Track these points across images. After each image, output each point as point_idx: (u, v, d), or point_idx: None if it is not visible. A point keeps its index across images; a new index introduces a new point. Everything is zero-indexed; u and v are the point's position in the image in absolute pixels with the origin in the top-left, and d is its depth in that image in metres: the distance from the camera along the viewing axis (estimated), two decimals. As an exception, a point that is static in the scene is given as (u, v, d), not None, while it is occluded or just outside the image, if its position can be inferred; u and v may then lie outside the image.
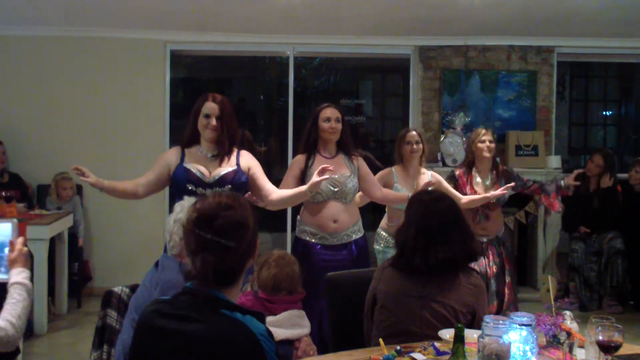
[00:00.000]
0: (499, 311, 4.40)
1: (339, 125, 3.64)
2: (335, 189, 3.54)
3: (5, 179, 5.55)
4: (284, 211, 6.05)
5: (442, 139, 6.02)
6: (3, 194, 4.90)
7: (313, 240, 3.58)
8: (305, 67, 7.69)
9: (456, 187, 4.49)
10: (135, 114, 6.01)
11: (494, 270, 4.44)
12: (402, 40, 6.25)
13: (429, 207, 2.48)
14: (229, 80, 8.21)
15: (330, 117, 3.63)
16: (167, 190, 5.92)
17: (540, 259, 6.10)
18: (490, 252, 4.49)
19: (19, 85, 5.93)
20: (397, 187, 4.20)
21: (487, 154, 4.51)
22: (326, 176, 3.21)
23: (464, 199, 4.32)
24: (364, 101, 8.00)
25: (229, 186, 3.22)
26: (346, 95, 7.91)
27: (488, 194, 4.31)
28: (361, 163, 3.74)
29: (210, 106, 3.25)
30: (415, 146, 4.25)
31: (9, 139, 5.71)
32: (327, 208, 3.56)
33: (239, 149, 3.39)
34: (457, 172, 4.59)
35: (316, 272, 3.49)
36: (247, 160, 3.37)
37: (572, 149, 9.05)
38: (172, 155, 3.34)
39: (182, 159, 3.29)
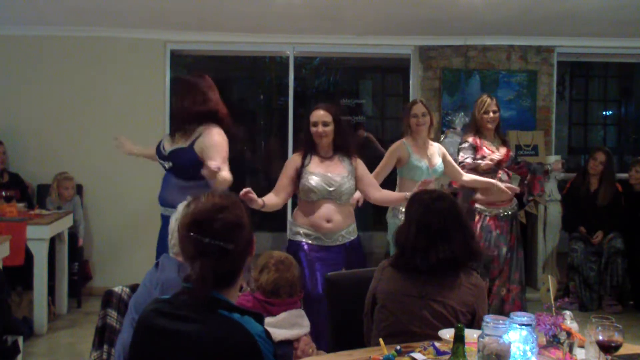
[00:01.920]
0: (490, 288, 4.56)
1: (327, 129, 3.52)
2: (331, 189, 3.49)
3: (5, 179, 5.55)
4: (284, 211, 6.04)
5: (442, 138, 6.01)
6: (3, 193, 4.91)
7: (308, 241, 3.52)
8: (305, 67, 7.70)
9: (476, 153, 4.58)
10: (135, 113, 6.00)
11: (503, 245, 4.58)
12: (402, 40, 6.25)
13: (429, 206, 2.48)
14: (229, 80, 8.21)
15: (316, 121, 3.52)
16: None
17: (540, 259, 6.10)
18: (503, 229, 4.60)
19: (19, 85, 5.93)
20: (412, 159, 4.20)
21: (490, 126, 4.59)
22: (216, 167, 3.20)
23: (466, 176, 4.35)
24: (364, 101, 8.02)
25: (170, 164, 3.49)
26: (346, 95, 7.92)
27: (493, 180, 4.44)
28: (359, 164, 3.65)
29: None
30: (421, 119, 4.24)
31: (9, 139, 5.71)
32: (321, 208, 3.51)
33: (210, 128, 3.46)
34: (470, 139, 4.63)
35: (311, 273, 3.48)
36: (203, 141, 3.44)
37: (572, 148, 9.06)
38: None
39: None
